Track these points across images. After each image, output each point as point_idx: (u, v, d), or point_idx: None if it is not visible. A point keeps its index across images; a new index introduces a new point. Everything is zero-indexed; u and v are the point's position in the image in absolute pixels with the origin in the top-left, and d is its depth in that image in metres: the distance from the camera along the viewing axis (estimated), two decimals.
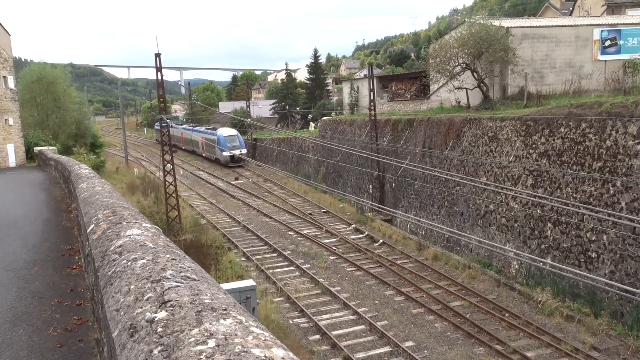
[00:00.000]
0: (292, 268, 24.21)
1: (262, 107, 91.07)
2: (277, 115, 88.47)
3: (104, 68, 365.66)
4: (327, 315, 18.92)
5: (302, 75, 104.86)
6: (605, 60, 34.55)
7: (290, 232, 30.12)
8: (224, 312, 1.96)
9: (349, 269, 23.68)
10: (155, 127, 77.21)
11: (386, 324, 17.97)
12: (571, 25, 35.89)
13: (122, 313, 2.21)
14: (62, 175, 15.60)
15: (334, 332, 17.38)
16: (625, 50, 34.90)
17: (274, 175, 48.74)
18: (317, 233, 29.45)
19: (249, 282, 15.86)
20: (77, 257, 7.18)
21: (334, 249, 26.33)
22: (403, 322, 18.09)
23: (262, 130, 68.68)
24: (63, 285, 5.95)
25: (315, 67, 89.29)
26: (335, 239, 27.79)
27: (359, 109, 53.10)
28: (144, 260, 2.79)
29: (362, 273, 23.05)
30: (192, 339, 1.71)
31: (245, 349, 1.60)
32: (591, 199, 21.37)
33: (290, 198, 39.62)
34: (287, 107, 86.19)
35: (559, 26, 35.93)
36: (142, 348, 1.80)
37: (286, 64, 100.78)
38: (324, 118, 58.22)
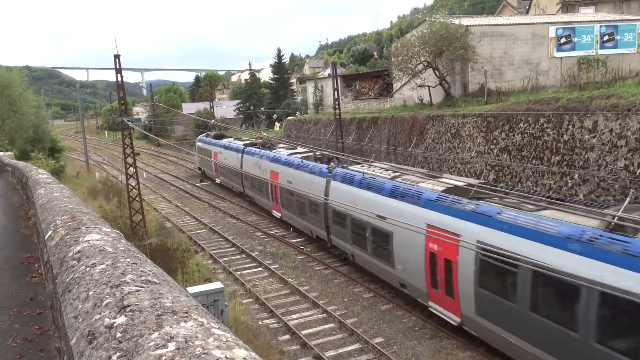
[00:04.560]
0: (260, 269, 24.11)
1: (226, 107, 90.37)
2: (241, 116, 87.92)
3: (61, 70, 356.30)
4: (297, 315, 18.91)
5: (266, 75, 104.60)
6: (561, 57, 35.63)
7: (258, 233, 29.98)
8: (185, 314, 1.95)
9: (318, 268, 23.73)
10: (199, 143, 49.24)
11: (355, 321, 18.08)
12: (528, 24, 36.86)
13: (81, 320, 2.17)
14: (20, 181, 15.14)
15: (304, 332, 17.38)
16: (580, 47, 36.05)
17: None
18: (284, 233, 29.41)
19: (216, 285, 15.71)
20: (36, 265, 6.98)
21: (302, 249, 26.36)
22: (372, 319, 18.24)
23: (227, 131, 68.08)
24: (22, 294, 5.78)
25: (279, 67, 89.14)
26: (302, 239, 27.80)
27: (323, 108, 53.28)
28: (103, 266, 2.74)
29: (330, 271, 23.14)
30: (152, 343, 1.69)
31: (205, 351, 1.59)
32: (551, 192, 21.97)
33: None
34: (251, 108, 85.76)
35: (516, 24, 36.85)
36: (100, 355, 1.77)
37: (250, 64, 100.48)
38: (289, 118, 58.20)
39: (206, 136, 48.38)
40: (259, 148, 33.47)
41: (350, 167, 22.54)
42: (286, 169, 27.80)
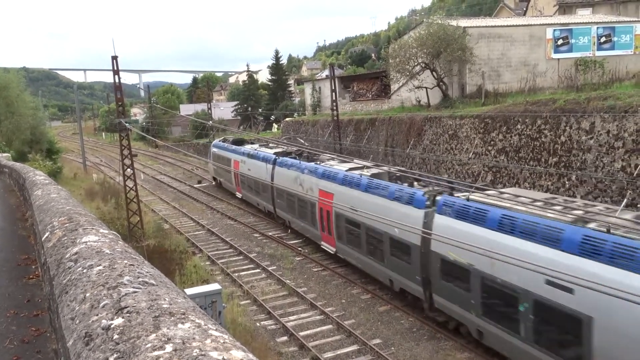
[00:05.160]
0: (258, 270, 24.10)
1: (224, 109, 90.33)
2: (239, 117, 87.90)
3: (59, 71, 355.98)
4: (295, 317, 18.90)
5: (263, 77, 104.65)
6: (559, 59, 35.70)
7: (256, 235, 29.96)
8: (182, 316, 1.94)
9: (315, 269, 23.71)
10: (214, 149, 43.35)
11: (353, 322, 18.08)
12: (525, 25, 36.96)
13: (78, 321, 2.16)
14: (17, 182, 15.11)
15: (302, 333, 17.37)
16: (577, 49, 36.14)
17: None
18: (282, 234, 29.40)
19: (214, 286, 15.72)
20: (34, 267, 6.96)
21: (300, 250, 26.35)
22: (370, 320, 18.24)
23: (225, 133, 68.08)
24: (19, 295, 5.76)
25: (277, 68, 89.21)
26: (300, 240, 27.79)
27: (321, 110, 53.32)
28: (100, 267, 2.73)
29: (328, 273, 23.13)
30: (149, 345, 1.69)
31: (203, 353, 1.59)
32: (548, 193, 22.00)
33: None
34: (249, 109, 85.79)
35: (513, 26, 36.94)
36: (97, 356, 1.77)
37: (247, 66, 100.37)
38: (287, 119, 58.24)
39: (223, 141, 42.55)
40: (295, 158, 28.00)
41: (476, 198, 15.30)
42: (346, 190, 21.29)
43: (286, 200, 28.17)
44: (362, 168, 22.15)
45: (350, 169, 22.30)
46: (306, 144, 35.06)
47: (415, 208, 16.84)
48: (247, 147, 36.05)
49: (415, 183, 19.08)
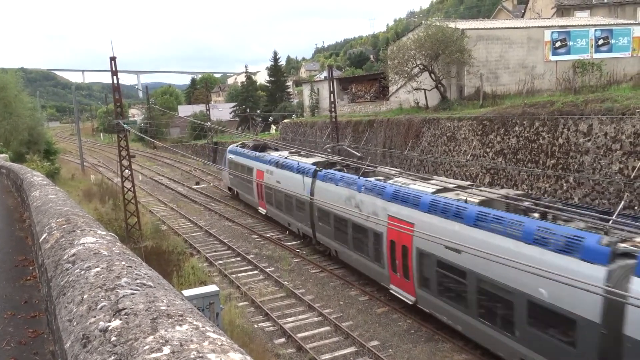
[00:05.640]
0: (256, 272, 24.08)
1: (222, 110, 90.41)
2: (237, 119, 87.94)
3: (57, 72, 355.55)
4: (292, 318, 18.89)
5: (262, 78, 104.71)
6: (556, 61, 35.79)
7: (254, 236, 29.95)
8: (180, 318, 1.94)
9: (313, 271, 23.71)
10: (231, 155, 38.46)
11: (351, 324, 18.07)
12: (523, 27, 37.03)
13: (75, 323, 2.16)
14: (15, 183, 15.09)
15: (299, 335, 17.36)
16: (575, 51, 36.23)
17: None
18: (280, 236, 29.39)
19: (212, 288, 15.67)
20: (31, 268, 6.95)
21: (298, 251, 26.33)
22: (368, 322, 18.23)
23: (223, 134, 68.09)
24: (17, 297, 5.75)
25: (275, 70, 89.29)
26: (298, 241, 27.78)
27: (319, 111, 53.34)
28: (98, 269, 2.73)
29: (326, 274, 23.12)
30: (147, 347, 1.69)
31: (200, 355, 1.59)
32: (546, 195, 22.03)
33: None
34: (247, 110, 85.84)
35: (511, 28, 37.01)
36: (95, 358, 1.77)
37: (246, 67, 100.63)
38: (285, 120, 58.24)
39: (241, 146, 37.85)
40: (342, 170, 23.58)
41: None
42: (437, 220, 15.60)
43: (332, 225, 23.01)
44: (455, 190, 16.68)
45: (438, 191, 16.81)
46: (359, 154, 29.66)
47: (590, 262, 10.90)
48: (274, 155, 30.96)
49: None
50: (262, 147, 34.76)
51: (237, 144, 39.94)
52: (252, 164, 33.10)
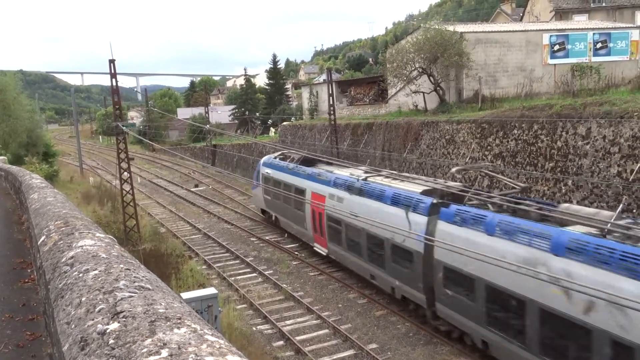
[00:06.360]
0: (254, 274, 24.05)
1: (221, 113, 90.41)
2: (236, 121, 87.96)
3: (56, 75, 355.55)
4: (291, 321, 18.87)
5: (261, 81, 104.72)
6: (555, 64, 35.85)
7: (252, 239, 29.92)
8: (179, 321, 1.94)
9: (312, 274, 23.68)
10: (267, 169, 30.80)
11: (350, 327, 18.06)
12: (522, 31, 37.09)
13: (73, 326, 2.16)
14: (13, 185, 15.07)
15: (298, 338, 17.34)
16: (573, 54, 36.30)
17: (235, 181, 48.35)
18: (279, 239, 29.35)
19: (210, 290, 15.68)
20: (29, 270, 6.94)
21: (297, 254, 26.31)
22: (366, 325, 18.22)
23: (222, 137, 68.08)
24: (15, 299, 5.74)
25: (274, 73, 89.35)
26: (297, 244, 27.75)
27: (318, 114, 53.34)
28: (96, 271, 2.73)
29: (325, 277, 23.10)
30: (145, 350, 1.69)
31: (199, 358, 1.59)
32: (544, 198, 22.05)
33: (252, 204, 39.40)
34: (246, 113, 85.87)
35: (510, 31, 37.07)
36: None
37: (245, 70, 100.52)
38: (284, 123, 58.20)
39: (282, 159, 30.31)
40: (479, 207, 15.21)
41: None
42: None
43: (477, 298, 14.33)
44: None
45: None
46: (488, 170, 21.56)
47: None
48: (342, 173, 22.94)
49: None
50: (310, 161, 27.63)
51: (275, 155, 32.16)
52: (304, 183, 25.53)
